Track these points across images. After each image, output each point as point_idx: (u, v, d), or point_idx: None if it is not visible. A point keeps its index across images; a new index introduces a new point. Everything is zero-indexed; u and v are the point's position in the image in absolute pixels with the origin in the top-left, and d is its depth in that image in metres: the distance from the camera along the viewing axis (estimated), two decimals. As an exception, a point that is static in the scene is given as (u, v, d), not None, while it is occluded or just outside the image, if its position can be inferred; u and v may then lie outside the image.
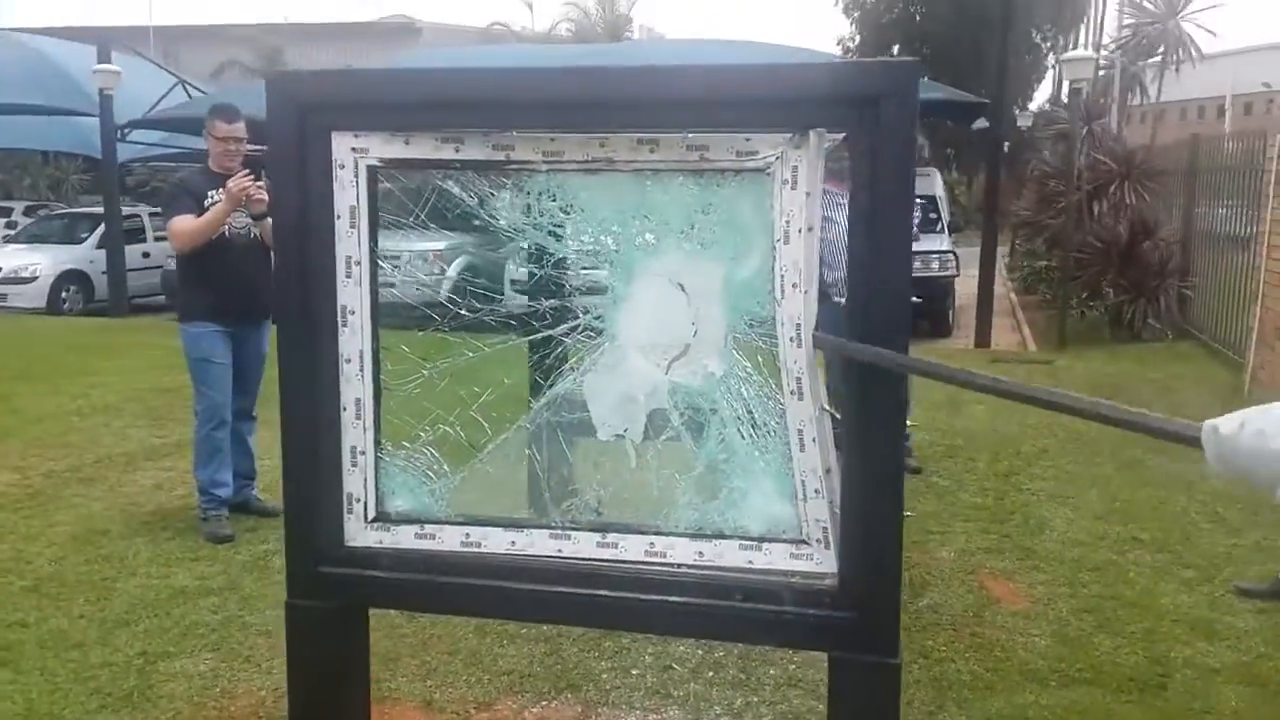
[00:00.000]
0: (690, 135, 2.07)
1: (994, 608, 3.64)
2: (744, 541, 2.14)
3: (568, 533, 2.21)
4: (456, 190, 2.23)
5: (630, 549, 2.18)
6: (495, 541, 2.25)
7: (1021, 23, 30.89)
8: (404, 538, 2.29)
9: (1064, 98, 18.82)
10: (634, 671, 3.09)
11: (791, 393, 2.06)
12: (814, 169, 2.02)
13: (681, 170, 2.12)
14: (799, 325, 2.04)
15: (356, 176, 2.19)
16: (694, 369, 2.19)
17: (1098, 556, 4.16)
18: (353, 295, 2.23)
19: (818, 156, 2.02)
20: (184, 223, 4.23)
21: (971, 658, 3.24)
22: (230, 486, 4.44)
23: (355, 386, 2.25)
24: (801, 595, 2.08)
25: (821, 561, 2.09)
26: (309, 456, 2.27)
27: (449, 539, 2.27)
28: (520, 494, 2.36)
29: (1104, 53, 27.20)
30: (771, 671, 3.10)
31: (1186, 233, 11.14)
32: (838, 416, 2.05)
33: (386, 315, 2.27)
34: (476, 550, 2.25)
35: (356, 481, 2.28)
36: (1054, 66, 29.06)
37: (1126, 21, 30.11)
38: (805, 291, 2.03)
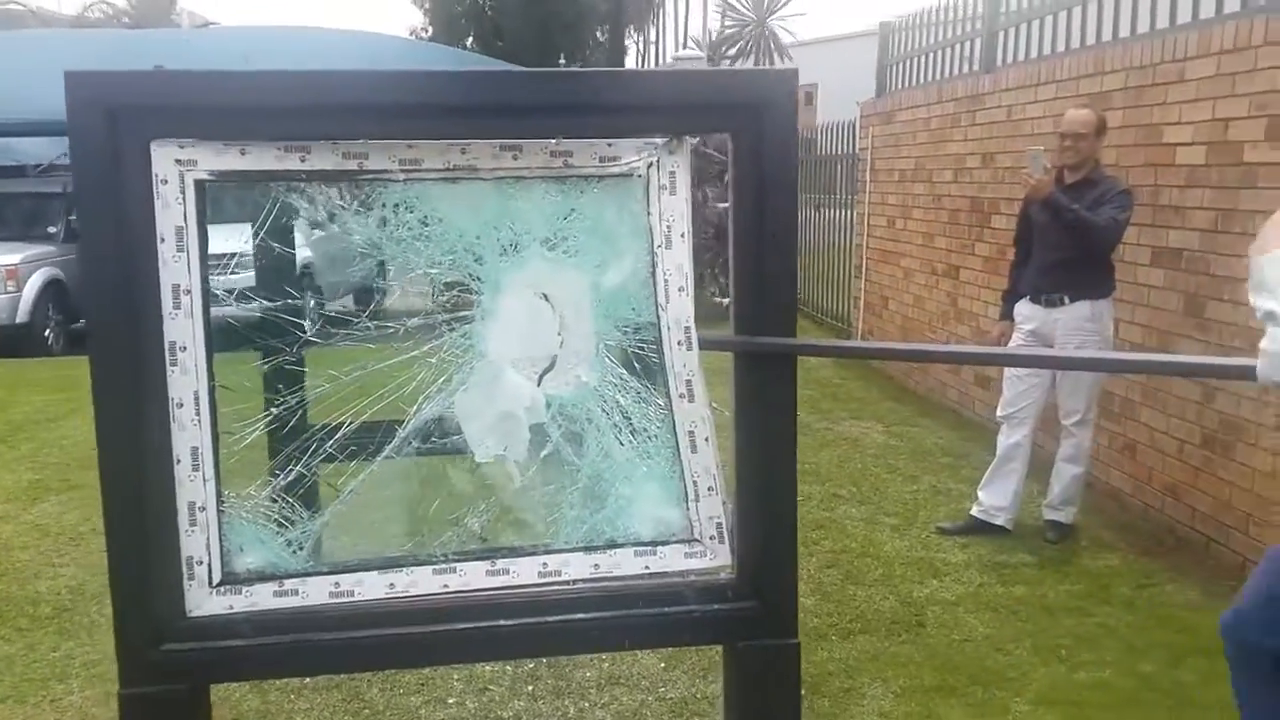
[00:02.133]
0: (555, 141, 2.02)
1: (753, 577, 3.88)
2: (638, 547, 2.14)
3: (453, 565, 2.08)
4: (303, 205, 2.01)
5: (522, 572, 2.10)
6: (370, 587, 2.06)
7: (586, 25, 32.45)
8: (260, 598, 2.03)
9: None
10: (450, 701, 2.96)
11: (681, 395, 2.09)
12: (687, 174, 2.06)
13: (545, 177, 2.06)
14: (687, 328, 2.07)
15: (183, 192, 1.90)
16: (565, 380, 2.15)
17: (815, 515, 4.56)
18: (183, 329, 1.93)
19: (688, 161, 2.06)
20: None
21: (758, 627, 3.43)
22: None
23: (190, 433, 1.96)
24: (701, 591, 2.12)
25: (716, 556, 2.14)
26: (136, 520, 1.94)
27: (315, 592, 2.04)
28: (394, 531, 2.18)
29: (694, 51, 29.22)
30: (588, 674, 3.10)
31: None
32: (726, 412, 2.10)
33: (220, 344, 1.99)
34: (349, 600, 2.05)
35: (197, 542, 1.99)
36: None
37: (726, 24, 32.57)
38: (689, 294, 2.07)
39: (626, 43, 31.95)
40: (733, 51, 31.63)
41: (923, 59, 7.88)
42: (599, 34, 33.51)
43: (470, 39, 31.41)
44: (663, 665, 3.13)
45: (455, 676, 3.07)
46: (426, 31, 32.60)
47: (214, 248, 2.02)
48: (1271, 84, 3.81)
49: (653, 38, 32.35)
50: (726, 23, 32.93)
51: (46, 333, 10.45)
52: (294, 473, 2.09)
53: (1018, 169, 5.95)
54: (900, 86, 8.31)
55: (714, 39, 32.40)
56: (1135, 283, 4.54)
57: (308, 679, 3.01)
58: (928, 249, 7.26)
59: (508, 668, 3.12)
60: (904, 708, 2.90)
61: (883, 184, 8.31)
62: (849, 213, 9.45)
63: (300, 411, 2.13)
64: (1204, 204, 4.17)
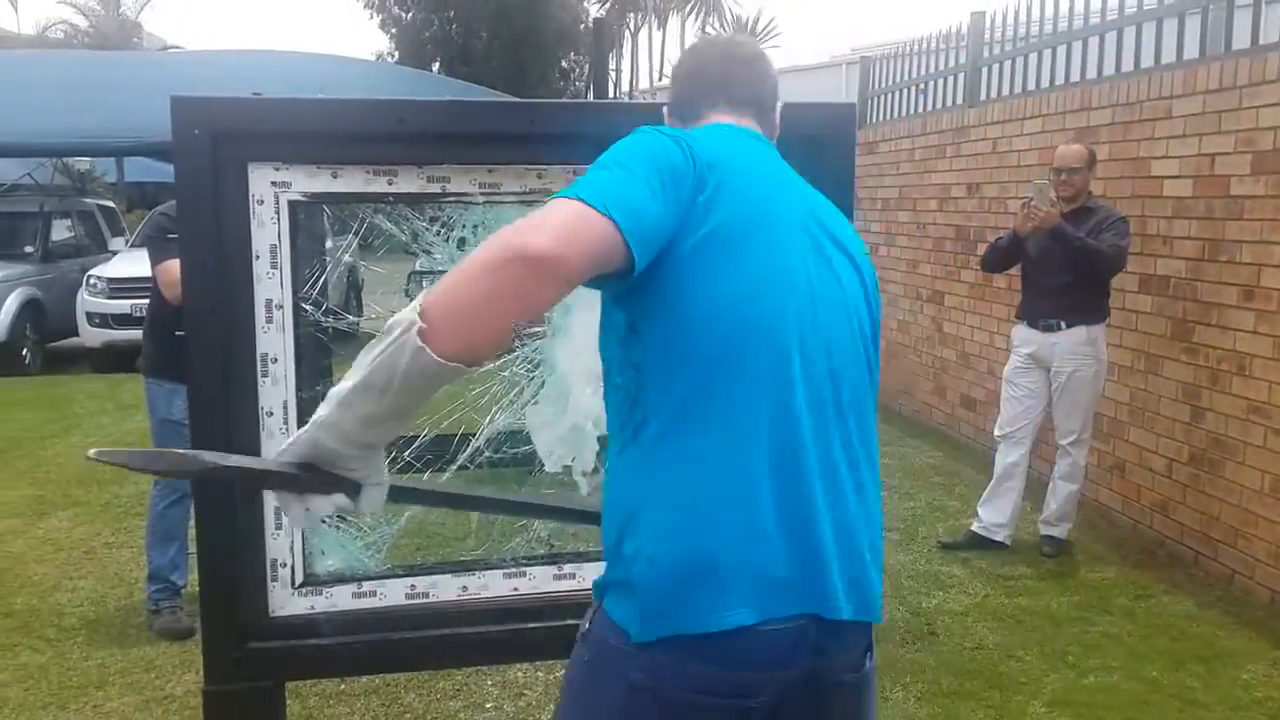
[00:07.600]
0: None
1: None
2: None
3: (522, 569, 2.19)
4: (387, 225, 2.12)
5: (589, 577, 2.21)
6: (445, 588, 2.16)
7: (554, 51, 32.68)
8: (340, 599, 2.12)
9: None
10: (488, 706, 3.04)
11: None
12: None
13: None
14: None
15: (278, 213, 2.01)
16: (627, 393, 2.26)
17: (817, 533, 4.68)
18: (275, 342, 2.04)
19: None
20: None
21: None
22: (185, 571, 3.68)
23: (279, 441, 2.05)
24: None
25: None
26: (226, 525, 2.03)
27: (392, 593, 2.14)
28: (466, 536, 2.28)
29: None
30: (618, 680, 3.19)
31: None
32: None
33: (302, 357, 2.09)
34: (425, 600, 2.15)
35: (282, 546, 2.08)
36: (586, 92, 30.85)
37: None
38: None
39: (575, 70, 32.20)
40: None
41: (905, 92, 8.11)
42: (567, 62, 33.76)
43: (436, 64, 31.48)
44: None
45: (490, 682, 3.16)
46: (393, 56, 32.62)
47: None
48: (1255, 121, 4.03)
49: (622, 67, 32.65)
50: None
51: (24, 352, 10.37)
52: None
53: (1004, 199, 6.18)
54: (882, 118, 8.53)
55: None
56: (1124, 308, 4.73)
57: (343, 684, 3.09)
58: (912, 275, 7.45)
59: (538, 674, 3.22)
60: (926, 710, 3.03)
61: (865, 211, 8.50)
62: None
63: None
64: (1191, 234, 4.38)
